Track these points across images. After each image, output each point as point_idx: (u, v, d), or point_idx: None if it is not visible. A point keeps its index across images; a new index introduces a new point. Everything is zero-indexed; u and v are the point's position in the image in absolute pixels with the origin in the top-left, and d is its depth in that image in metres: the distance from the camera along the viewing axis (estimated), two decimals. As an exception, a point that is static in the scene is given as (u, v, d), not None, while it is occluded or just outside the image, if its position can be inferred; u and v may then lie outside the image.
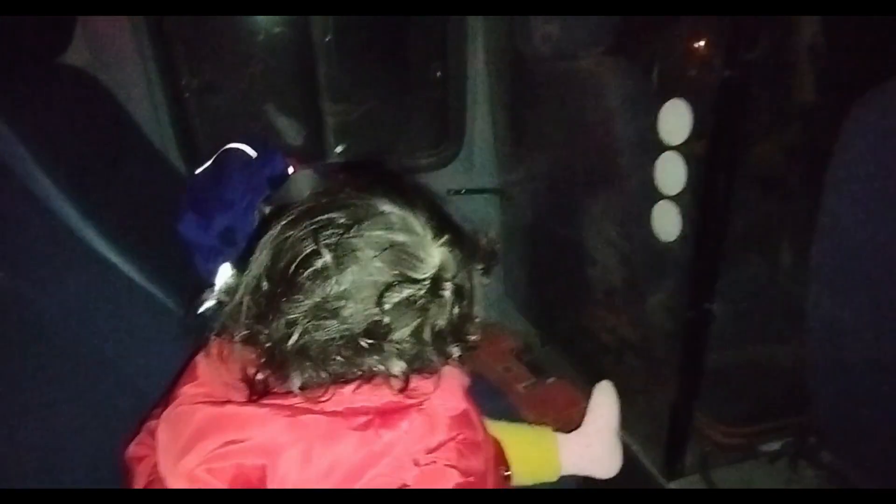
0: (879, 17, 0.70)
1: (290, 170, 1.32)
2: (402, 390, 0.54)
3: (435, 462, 0.53)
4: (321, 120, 1.53)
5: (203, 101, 1.42)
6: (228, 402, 0.57)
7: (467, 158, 1.60)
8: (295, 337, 0.54)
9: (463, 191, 1.57)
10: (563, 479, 0.96)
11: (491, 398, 1.04)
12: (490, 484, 0.60)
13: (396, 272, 0.54)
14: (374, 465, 0.52)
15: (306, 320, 0.53)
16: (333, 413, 0.53)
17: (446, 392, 0.57)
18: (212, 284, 1.10)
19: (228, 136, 1.29)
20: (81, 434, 0.71)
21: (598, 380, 1.11)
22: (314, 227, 0.55)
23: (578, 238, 1.29)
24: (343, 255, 0.54)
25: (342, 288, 0.53)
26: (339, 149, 1.61)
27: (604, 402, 0.94)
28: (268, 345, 0.56)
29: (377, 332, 0.53)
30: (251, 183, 1.24)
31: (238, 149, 1.30)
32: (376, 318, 0.53)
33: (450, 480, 0.54)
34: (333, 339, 0.54)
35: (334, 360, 0.54)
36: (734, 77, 0.81)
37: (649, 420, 1.20)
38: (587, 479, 0.97)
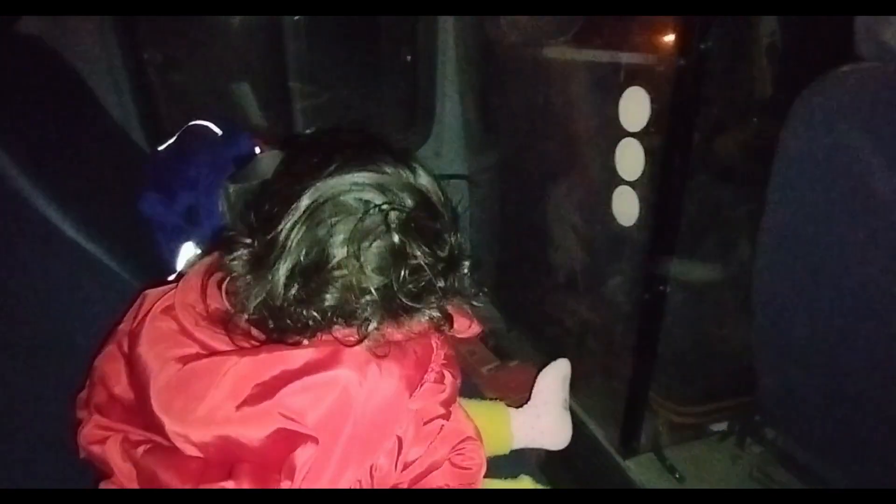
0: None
1: (257, 150, 1.31)
2: (450, 326, 0.65)
3: (445, 366, 0.68)
4: (289, 101, 1.52)
5: (167, 76, 1.39)
6: (258, 347, 0.61)
7: (436, 143, 1.61)
8: (369, 312, 0.60)
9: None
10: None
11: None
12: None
13: (433, 251, 0.61)
14: (423, 372, 0.65)
15: (378, 294, 0.60)
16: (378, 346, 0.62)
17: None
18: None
19: (193, 113, 1.27)
20: (50, 420, 0.70)
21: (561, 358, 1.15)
22: (382, 209, 0.60)
23: (543, 223, 1.31)
24: (404, 241, 0.59)
25: (404, 272, 0.60)
26: (307, 132, 1.59)
27: (551, 377, 0.97)
28: (323, 316, 0.60)
29: (419, 299, 0.61)
30: (216, 161, 1.23)
31: (202, 126, 1.28)
32: (418, 288, 0.61)
33: (451, 381, 0.69)
34: (391, 309, 0.61)
35: (393, 321, 0.62)
36: (688, 65, 0.84)
37: (607, 400, 1.24)
38: (557, 477, 1.00)
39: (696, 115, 0.88)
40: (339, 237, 0.59)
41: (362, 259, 0.59)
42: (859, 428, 0.85)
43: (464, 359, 1.46)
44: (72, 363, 0.74)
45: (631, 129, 0.98)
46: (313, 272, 0.59)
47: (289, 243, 0.60)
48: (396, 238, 0.59)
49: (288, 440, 0.58)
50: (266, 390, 0.58)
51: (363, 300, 0.60)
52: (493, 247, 1.63)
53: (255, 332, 0.64)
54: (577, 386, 1.19)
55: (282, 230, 0.60)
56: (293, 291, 0.60)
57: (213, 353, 0.62)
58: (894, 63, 0.63)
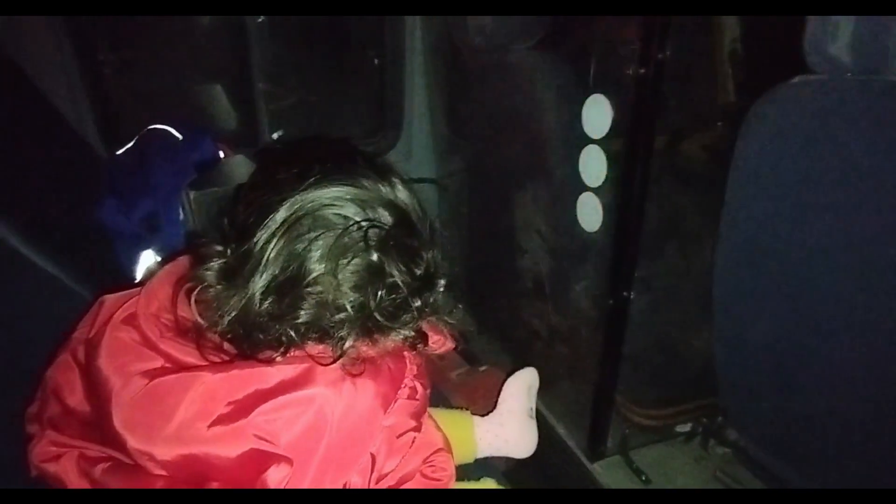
0: (794, 19, 0.75)
1: (221, 154, 1.29)
2: (425, 343, 0.65)
3: (416, 378, 0.68)
4: (254, 104, 1.49)
5: (124, 78, 1.35)
6: (230, 363, 0.60)
7: (405, 147, 1.60)
8: (344, 330, 0.59)
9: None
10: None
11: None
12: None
13: (410, 270, 0.61)
14: (397, 388, 0.65)
15: (354, 312, 0.59)
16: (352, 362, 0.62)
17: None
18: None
19: (152, 116, 1.24)
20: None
21: (528, 367, 1.16)
22: (362, 226, 0.59)
23: (511, 228, 1.32)
24: (382, 259, 0.59)
25: (381, 291, 0.59)
26: (275, 135, 1.57)
27: (516, 386, 0.98)
28: (297, 331, 0.60)
29: (395, 318, 0.61)
30: (176, 166, 1.20)
31: (162, 130, 1.25)
32: (394, 307, 0.60)
33: (422, 393, 0.70)
34: (366, 327, 0.61)
35: (368, 339, 0.62)
36: (648, 75, 0.85)
37: (574, 404, 1.25)
38: (524, 481, 1.00)
39: (655, 123, 0.89)
40: (317, 253, 0.58)
41: (339, 276, 0.58)
42: (817, 430, 0.87)
43: (432, 364, 1.46)
44: (18, 377, 0.71)
45: (594, 136, 0.99)
46: (289, 287, 0.58)
47: (265, 256, 0.59)
48: (375, 256, 0.58)
49: (260, 460, 0.57)
50: (239, 409, 0.57)
51: (338, 317, 0.59)
52: (464, 250, 1.62)
53: (225, 345, 0.62)
54: (546, 390, 1.20)
55: (258, 242, 0.59)
56: (268, 305, 0.59)
57: (180, 366, 0.60)
58: (840, 76, 0.64)
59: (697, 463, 1.20)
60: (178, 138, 1.27)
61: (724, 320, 0.93)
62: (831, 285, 0.75)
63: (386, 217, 0.61)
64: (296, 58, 1.55)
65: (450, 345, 0.72)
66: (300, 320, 0.59)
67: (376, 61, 1.57)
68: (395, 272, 0.59)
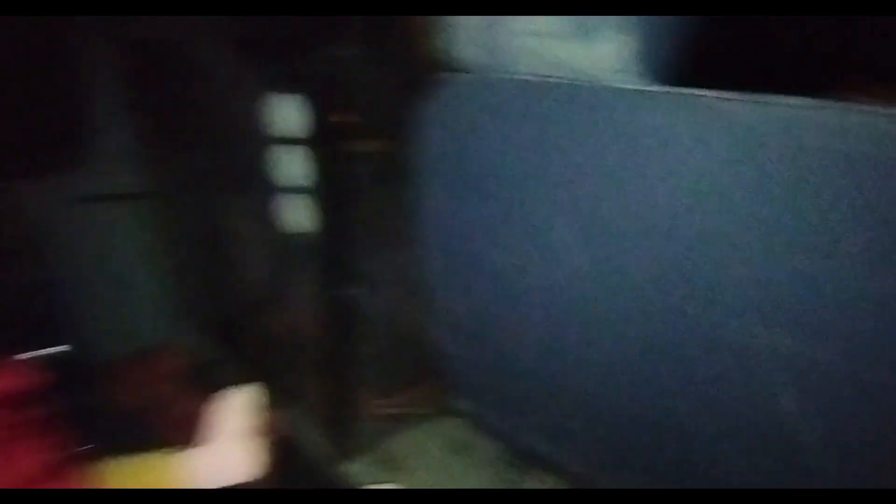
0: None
1: None
2: None
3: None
4: None
5: None
6: None
7: (100, 160, 1.38)
8: None
9: (98, 196, 1.34)
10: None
11: (129, 427, 0.93)
12: None
13: None
14: None
15: None
16: None
17: None
18: None
19: None
20: None
21: (269, 384, 1.09)
22: None
23: (228, 240, 1.24)
24: None
25: None
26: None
27: (232, 407, 0.90)
28: None
29: None
30: None
31: None
32: None
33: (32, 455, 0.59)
34: None
35: None
36: (330, 72, 0.87)
37: (320, 409, 1.23)
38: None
39: (345, 122, 0.92)
40: None
41: None
42: (524, 388, 0.98)
43: (164, 398, 1.30)
44: None
45: (290, 136, 0.97)
46: None
47: None
48: None
49: None
50: None
51: None
52: (190, 270, 1.48)
53: None
54: (290, 399, 1.15)
55: None
56: None
57: None
58: (477, 74, 0.73)
59: (440, 439, 1.28)
60: None
61: (432, 298, 1.00)
62: (509, 255, 0.86)
63: None
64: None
65: (25, 381, 0.63)
66: None
67: (52, 68, 1.32)
68: None
